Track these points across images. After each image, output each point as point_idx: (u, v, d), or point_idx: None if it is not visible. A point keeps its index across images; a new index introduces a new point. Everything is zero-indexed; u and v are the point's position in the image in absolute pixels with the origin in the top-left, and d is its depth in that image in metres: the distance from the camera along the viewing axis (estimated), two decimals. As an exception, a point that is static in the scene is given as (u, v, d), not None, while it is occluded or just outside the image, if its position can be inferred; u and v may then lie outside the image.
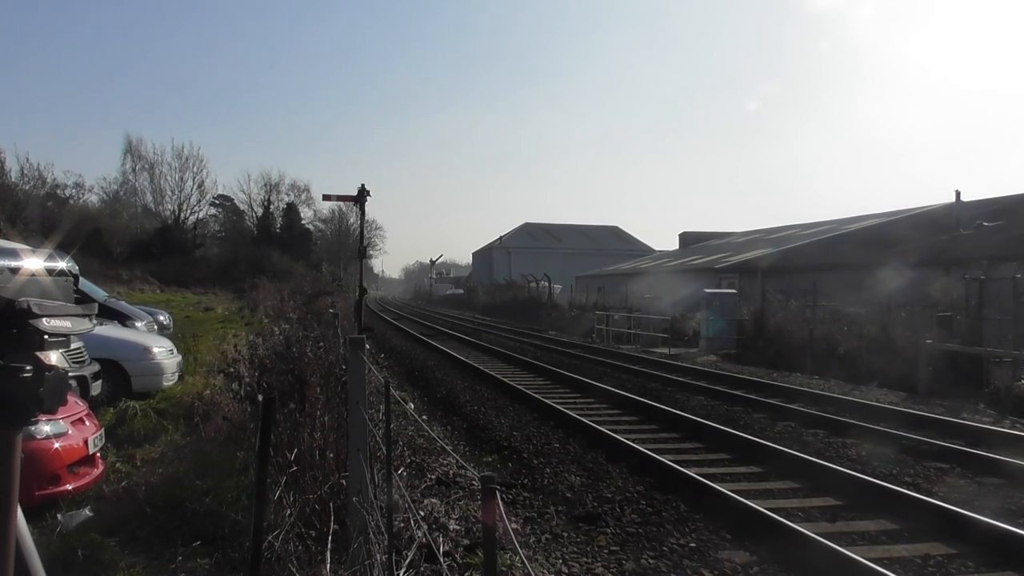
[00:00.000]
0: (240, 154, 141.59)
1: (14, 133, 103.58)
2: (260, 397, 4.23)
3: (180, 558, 4.52)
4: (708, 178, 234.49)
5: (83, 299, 1.25)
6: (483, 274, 76.39)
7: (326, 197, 19.18)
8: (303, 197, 65.92)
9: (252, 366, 6.57)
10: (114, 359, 9.63)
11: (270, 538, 3.76)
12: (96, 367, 8.44)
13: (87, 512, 5.34)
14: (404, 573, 3.63)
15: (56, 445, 5.28)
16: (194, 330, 19.47)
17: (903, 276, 20.39)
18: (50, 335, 1.09)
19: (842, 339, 17.76)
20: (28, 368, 1.05)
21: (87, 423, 5.89)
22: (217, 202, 63.32)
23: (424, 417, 10.26)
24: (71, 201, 50.05)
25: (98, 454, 6.01)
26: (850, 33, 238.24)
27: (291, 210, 65.23)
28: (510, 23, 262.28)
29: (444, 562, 4.42)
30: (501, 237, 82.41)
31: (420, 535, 4.31)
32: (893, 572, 4.63)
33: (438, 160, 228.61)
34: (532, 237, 79.33)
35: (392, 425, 3.81)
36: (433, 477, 6.95)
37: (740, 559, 5.23)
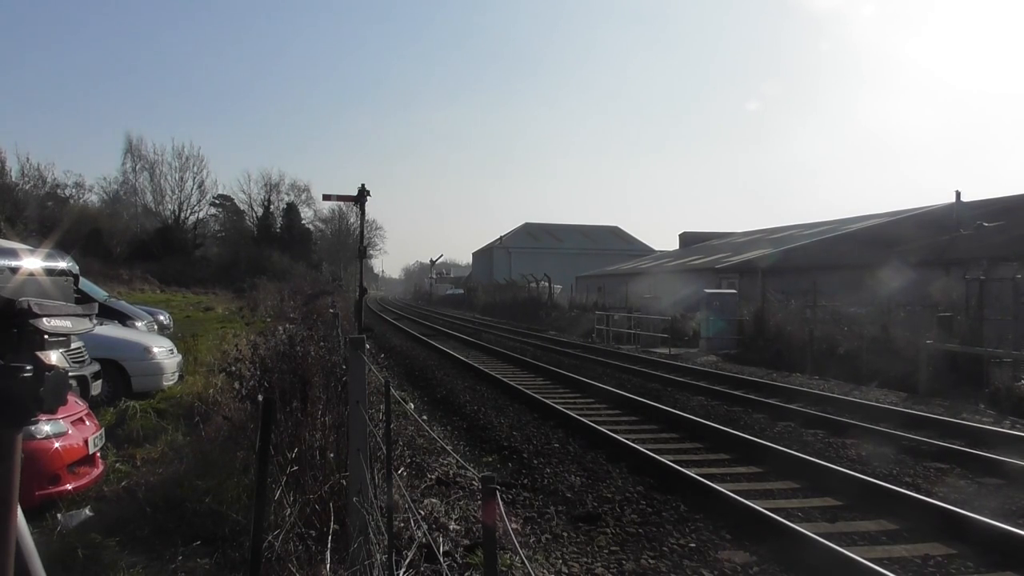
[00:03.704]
0: (240, 154, 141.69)
1: (14, 133, 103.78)
2: (260, 397, 4.23)
3: (180, 558, 4.51)
4: (708, 178, 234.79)
5: (83, 299, 1.25)
6: (483, 274, 76.37)
7: (326, 197, 19.21)
8: (303, 197, 65.96)
9: (254, 365, 6.57)
10: (114, 359, 9.63)
11: (270, 538, 3.75)
12: (96, 367, 8.44)
13: (87, 512, 5.34)
14: (404, 573, 3.63)
15: (56, 445, 5.28)
16: (194, 330, 19.45)
17: (903, 276, 20.38)
18: (50, 335, 1.09)
19: (842, 339, 17.76)
20: (28, 368, 1.04)
21: (87, 423, 5.89)
22: (217, 202, 63.29)
23: (424, 417, 10.25)
24: (71, 201, 49.96)
25: (98, 454, 6.01)
26: (850, 33, 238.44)
27: (291, 210, 65.19)
28: (510, 23, 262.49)
29: (444, 562, 4.42)
30: (501, 237, 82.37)
31: (420, 535, 4.31)
32: (893, 572, 4.63)
33: (438, 160, 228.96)
34: (532, 237, 79.28)
35: (392, 425, 3.81)
36: (433, 477, 6.95)
37: (740, 559, 5.23)
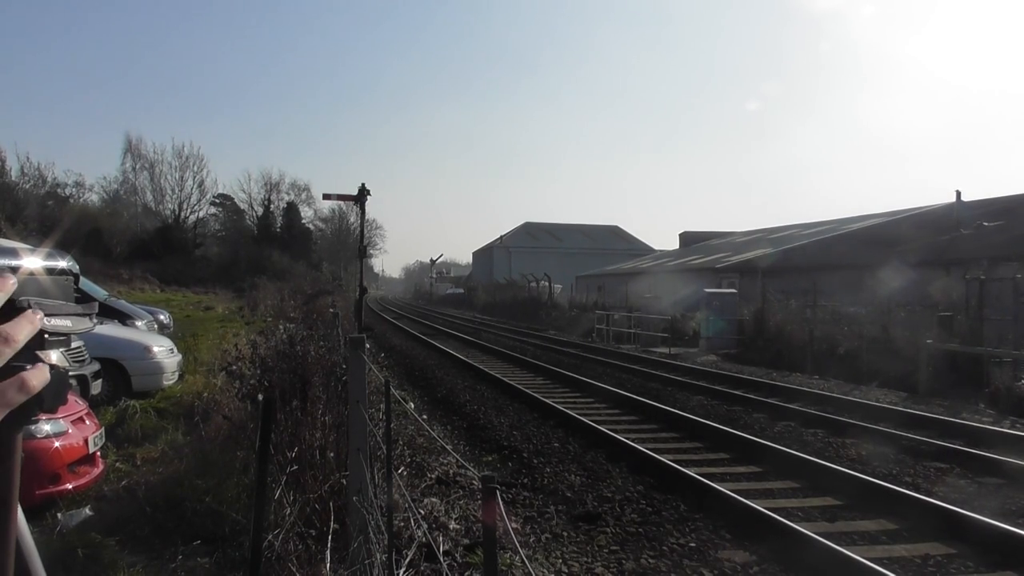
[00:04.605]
0: (240, 154, 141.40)
1: (14, 133, 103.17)
2: (260, 396, 4.23)
3: (180, 557, 4.52)
4: (708, 178, 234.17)
5: (83, 298, 1.25)
6: (483, 274, 76.37)
7: (326, 196, 19.19)
8: (303, 196, 65.91)
9: (254, 365, 6.57)
10: (114, 358, 9.63)
11: (270, 537, 3.76)
12: (96, 366, 8.45)
13: (87, 511, 5.34)
14: (404, 572, 3.63)
15: (56, 444, 5.28)
16: (194, 329, 19.46)
17: (903, 276, 20.38)
18: (50, 334, 1.09)
19: (842, 339, 17.76)
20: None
21: (87, 422, 5.89)
22: (217, 201, 63.21)
23: (424, 416, 10.25)
24: (71, 200, 49.87)
25: (98, 453, 6.01)
26: (850, 33, 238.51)
27: (291, 209, 65.17)
28: (511, 23, 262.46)
29: (444, 561, 4.42)
30: (501, 237, 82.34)
31: (420, 534, 4.32)
32: (893, 572, 4.63)
33: (438, 160, 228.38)
34: (532, 237, 79.27)
35: (392, 424, 3.81)
36: (433, 476, 6.95)
37: (740, 559, 5.23)
